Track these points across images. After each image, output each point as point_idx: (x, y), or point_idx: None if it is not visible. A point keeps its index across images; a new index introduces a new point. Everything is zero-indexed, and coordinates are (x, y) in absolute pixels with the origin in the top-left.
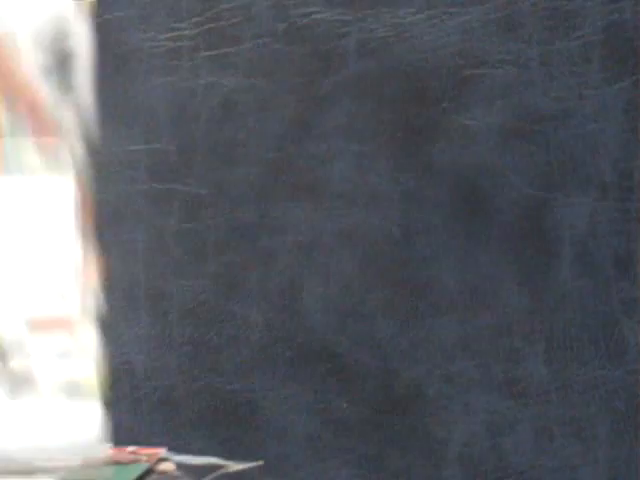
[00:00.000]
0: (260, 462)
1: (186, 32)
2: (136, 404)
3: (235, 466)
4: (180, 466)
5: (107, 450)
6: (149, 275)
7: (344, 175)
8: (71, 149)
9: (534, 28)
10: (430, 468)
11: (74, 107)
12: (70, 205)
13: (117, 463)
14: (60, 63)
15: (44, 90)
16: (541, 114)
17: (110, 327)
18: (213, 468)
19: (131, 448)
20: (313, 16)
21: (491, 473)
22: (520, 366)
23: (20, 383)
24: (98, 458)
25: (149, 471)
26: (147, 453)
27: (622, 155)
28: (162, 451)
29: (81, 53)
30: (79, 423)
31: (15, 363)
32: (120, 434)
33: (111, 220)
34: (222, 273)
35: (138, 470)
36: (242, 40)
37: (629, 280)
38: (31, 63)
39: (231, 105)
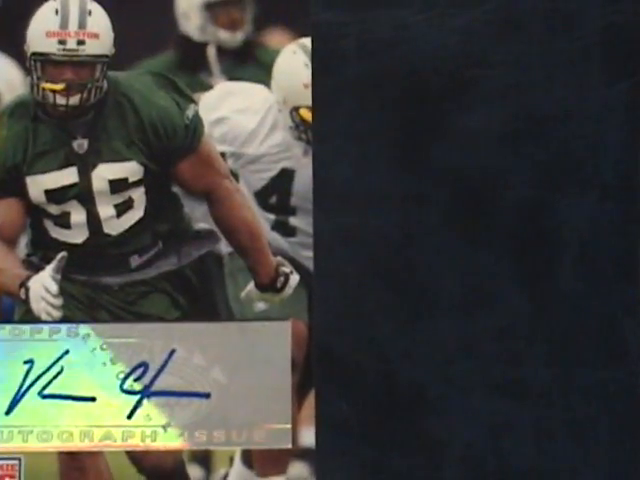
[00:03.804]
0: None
1: None
2: None
3: None
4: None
5: None
6: None
7: (344, 176)
8: None
9: (534, 29)
10: (431, 469)
11: None
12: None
13: None
14: None
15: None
16: (542, 115)
17: None
18: None
19: None
20: (314, 17)
21: (492, 474)
22: (521, 368)
23: None
24: None
25: None
26: None
27: (623, 156)
28: None
29: None
30: None
31: None
32: None
33: None
34: None
35: None
36: None
37: (630, 281)
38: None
39: None
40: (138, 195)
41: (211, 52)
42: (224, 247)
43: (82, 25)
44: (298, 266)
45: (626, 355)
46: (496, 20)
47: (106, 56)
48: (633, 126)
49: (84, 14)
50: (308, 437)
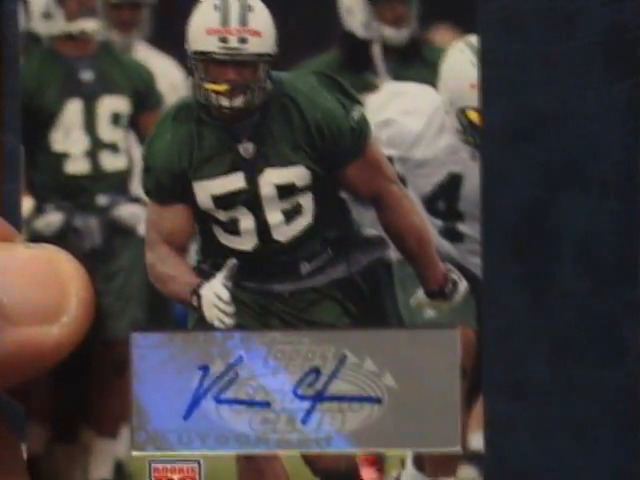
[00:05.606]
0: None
1: None
2: None
3: None
4: None
5: None
6: None
7: None
8: None
9: (535, 28)
10: None
11: None
12: None
13: None
14: None
15: None
16: (542, 115)
17: None
18: None
19: None
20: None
21: (492, 474)
22: (520, 367)
23: None
24: None
25: None
26: None
27: (624, 156)
28: None
29: None
30: None
31: None
32: None
33: None
34: None
35: None
36: None
37: (630, 281)
38: None
39: None
40: (306, 201)
41: (376, 50)
42: (393, 254)
43: (243, 22)
44: (466, 273)
45: (626, 355)
46: (496, 19)
47: (269, 55)
48: (635, 126)
49: (245, 10)
50: (476, 441)
